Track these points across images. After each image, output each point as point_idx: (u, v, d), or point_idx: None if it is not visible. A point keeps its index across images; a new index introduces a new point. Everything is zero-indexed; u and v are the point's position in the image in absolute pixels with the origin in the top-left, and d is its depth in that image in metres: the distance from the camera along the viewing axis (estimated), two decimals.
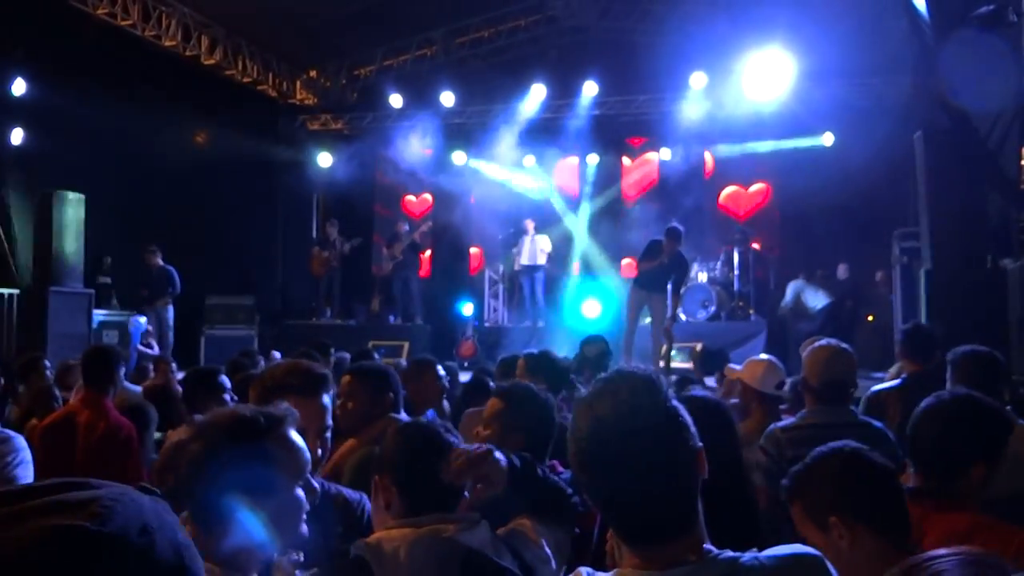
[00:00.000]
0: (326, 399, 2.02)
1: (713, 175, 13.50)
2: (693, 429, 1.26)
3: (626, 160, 14.13)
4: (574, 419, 1.27)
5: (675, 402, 1.26)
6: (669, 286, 8.53)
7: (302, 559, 1.68)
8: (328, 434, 2.02)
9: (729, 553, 1.23)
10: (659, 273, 8.45)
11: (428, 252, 14.30)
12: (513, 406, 2.47)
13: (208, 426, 1.50)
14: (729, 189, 13.41)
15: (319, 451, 1.98)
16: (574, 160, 14.25)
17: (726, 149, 12.91)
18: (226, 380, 3.74)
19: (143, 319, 10.24)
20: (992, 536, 1.91)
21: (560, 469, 2.49)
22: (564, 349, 6.73)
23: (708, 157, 13.38)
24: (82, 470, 3.44)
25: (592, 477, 1.25)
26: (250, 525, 1.38)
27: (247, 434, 1.46)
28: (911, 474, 2.08)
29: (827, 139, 12.17)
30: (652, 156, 13.86)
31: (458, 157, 14.22)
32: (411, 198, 15.43)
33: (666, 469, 1.21)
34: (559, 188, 13.99)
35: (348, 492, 2.18)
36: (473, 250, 14.53)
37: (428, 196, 15.14)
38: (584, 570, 1.29)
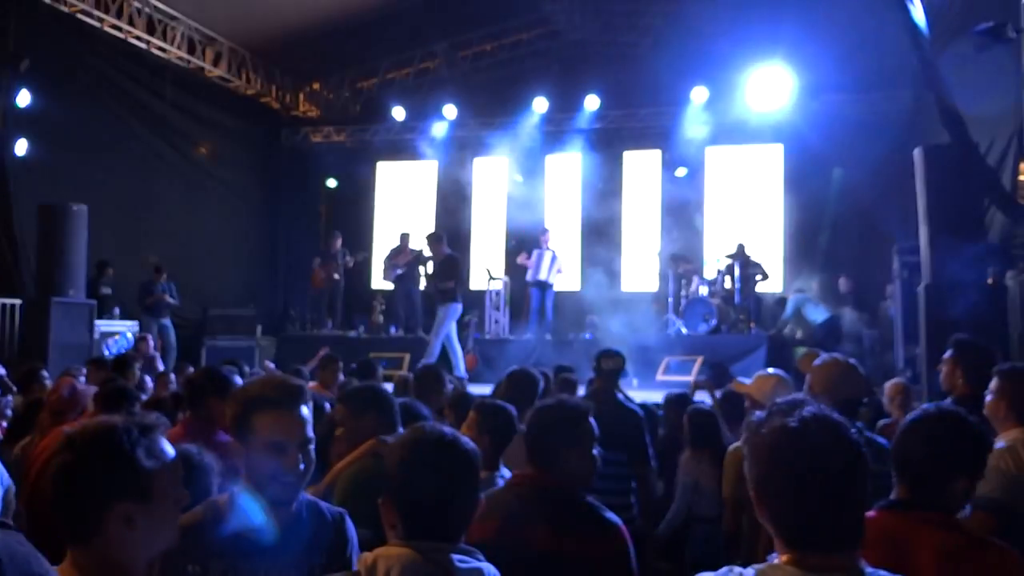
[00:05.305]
0: (305, 411, 1.92)
1: None
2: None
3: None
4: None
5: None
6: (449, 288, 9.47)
7: None
8: (312, 447, 1.92)
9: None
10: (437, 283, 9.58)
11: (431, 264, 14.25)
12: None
13: None
14: None
15: (301, 465, 1.89)
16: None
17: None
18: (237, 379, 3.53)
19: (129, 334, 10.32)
20: (985, 557, 1.91)
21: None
22: (567, 362, 6.73)
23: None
24: None
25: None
26: None
27: None
28: (896, 486, 2.10)
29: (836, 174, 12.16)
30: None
31: (459, 168, 14.25)
32: (414, 209, 15.43)
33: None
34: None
35: (328, 507, 2.09)
36: (473, 261, 14.52)
37: (431, 207, 15.15)
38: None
